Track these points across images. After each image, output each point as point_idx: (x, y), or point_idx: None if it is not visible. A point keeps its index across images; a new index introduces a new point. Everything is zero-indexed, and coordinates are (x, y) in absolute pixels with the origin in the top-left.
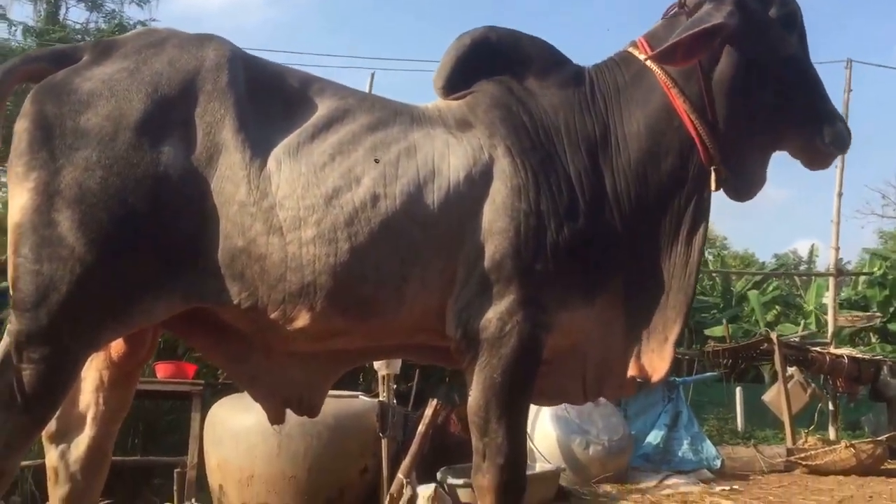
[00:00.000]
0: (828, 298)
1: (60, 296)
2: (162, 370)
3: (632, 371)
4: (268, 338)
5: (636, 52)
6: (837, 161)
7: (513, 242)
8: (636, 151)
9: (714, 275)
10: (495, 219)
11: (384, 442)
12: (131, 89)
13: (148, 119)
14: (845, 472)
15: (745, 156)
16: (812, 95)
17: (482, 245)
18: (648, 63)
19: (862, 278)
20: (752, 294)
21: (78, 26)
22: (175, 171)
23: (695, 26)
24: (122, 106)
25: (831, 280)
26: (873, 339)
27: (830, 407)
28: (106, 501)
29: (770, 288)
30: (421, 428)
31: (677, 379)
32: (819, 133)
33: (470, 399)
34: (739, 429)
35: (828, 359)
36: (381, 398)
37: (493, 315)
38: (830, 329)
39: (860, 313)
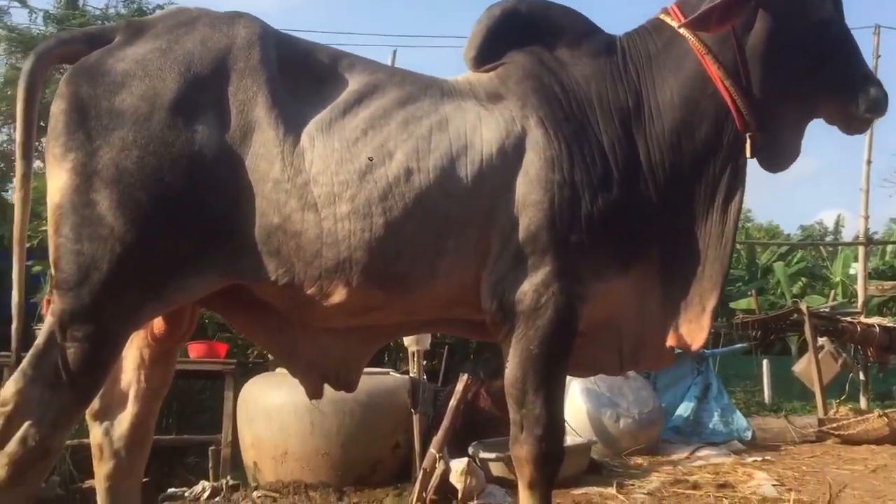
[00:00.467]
0: (854, 269)
1: (101, 275)
2: (194, 350)
3: (670, 341)
4: (305, 314)
5: (668, 20)
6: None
7: (547, 214)
8: (670, 120)
9: (739, 247)
10: (529, 191)
11: (415, 418)
12: (164, 69)
13: (182, 98)
14: (878, 442)
15: (780, 123)
16: (847, 60)
17: (516, 217)
18: (681, 30)
19: (889, 248)
20: (778, 266)
21: (98, 12)
22: (210, 150)
23: None
24: (156, 85)
25: (860, 249)
26: None
27: (861, 377)
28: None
29: (795, 259)
30: (452, 402)
31: (706, 351)
32: (855, 99)
33: (507, 371)
34: (767, 401)
35: (858, 328)
36: (411, 374)
37: (529, 287)
38: (860, 299)
39: (889, 282)
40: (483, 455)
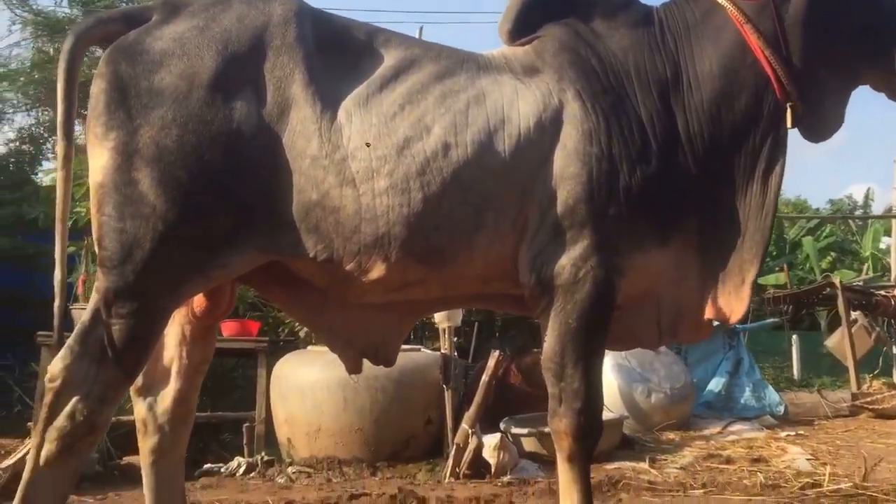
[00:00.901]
0: (885, 243)
1: (144, 252)
2: (227, 328)
3: (708, 314)
4: (343, 290)
5: None
6: None
7: (585, 187)
8: (709, 91)
9: None
10: (567, 164)
11: (447, 393)
12: (202, 47)
13: (219, 76)
14: None
15: (822, 92)
16: (890, 25)
17: (554, 191)
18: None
19: None
20: (807, 241)
21: None
22: (248, 127)
23: None
24: (194, 64)
25: (893, 223)
26: None
27: (895, 350)
28: None
29: (824, 234)
30: (484, 378)
31: (738, 326)
32: None
33: (545, 345)
34: (796, 377)
35: (893, 302)
36: (442, 351)
37: (567, 261)
38: (894, 272)
39: None
40: (515, 430)
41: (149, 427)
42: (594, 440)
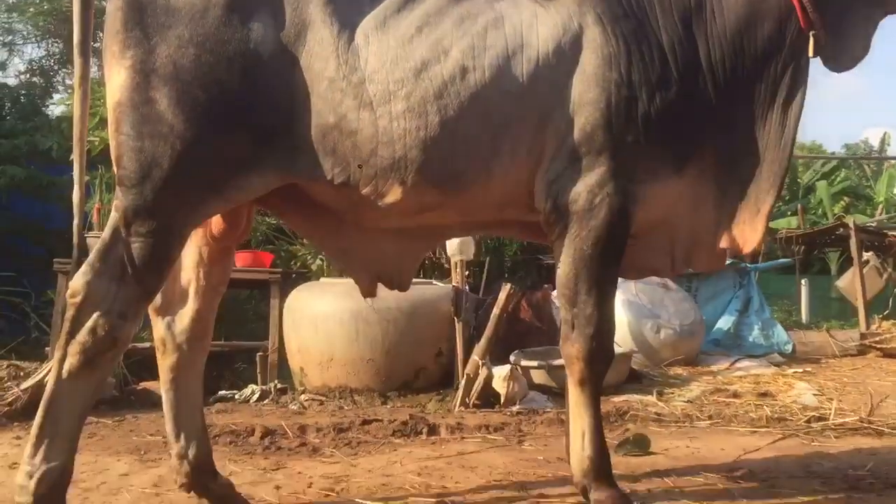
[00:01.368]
0: None
1: (163, 172)
2: (240, 259)
3: (723, 243)
4: (360, 214)
5: None
6: None
7: (604, 113)
8: (732, 18)
9: None
10: (586, 89)
11: (458, 326)
12: None
13: None
14: None
15: (847, 20)
16: None
17: (572, 117)
18: None
19: None
20: (821, 185)
21: None
22: (264, 48)
23: None
24: None
25: None
26: None
27: None
28: None
29: (839, 179)
30: (495, 311)
31: (749, 265)
32: None
33: (559, 271)
34: (804, 321)
35: None
36: (454, 284)
37: (583, 187)
38: None
39: None
40: (524, 363)
41: (167, 346)
42: (605, 365)
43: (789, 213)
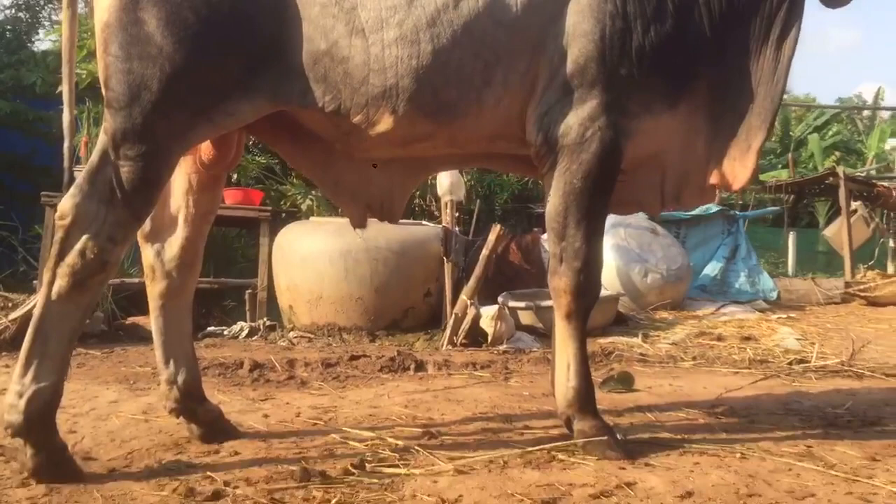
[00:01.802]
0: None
1: (152, 94)
2: (230, 196)
3: (713, 179)
4: (350, 143)
5: None
6: None
7: (597, 46)
8: None
9: None
10: (580, 21)
11: (447, 266)
12: None
13: None
14: None
15: None
16: None
17: (565, 48)
18: None
19: None
20: (812, 138)
21: None
22: None
23: None
24: None
25: None
26: None
27: (892, 243)
28: None
29: (831, 133)
30: (484, 252)
31: (738, 213)
32: None
33: (548, 205)
34: (791, 273)
35: (894, 193)
36: (444, 224)
37: (575, 120)
38: None
39: None
40: (512, 304)
41: (157, 273)
42: (592, 299)
43: (780, 165)
